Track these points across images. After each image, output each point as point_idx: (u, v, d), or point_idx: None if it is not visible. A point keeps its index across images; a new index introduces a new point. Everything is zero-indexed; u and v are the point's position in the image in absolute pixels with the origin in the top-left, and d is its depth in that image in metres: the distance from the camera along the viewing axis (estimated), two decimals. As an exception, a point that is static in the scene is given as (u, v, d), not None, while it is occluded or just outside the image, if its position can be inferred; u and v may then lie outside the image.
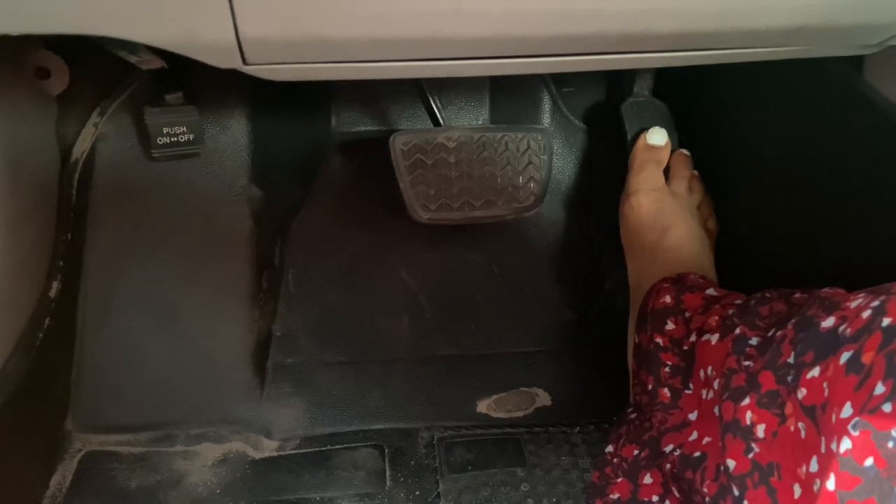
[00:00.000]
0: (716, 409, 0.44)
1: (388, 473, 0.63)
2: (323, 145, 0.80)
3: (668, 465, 0.50)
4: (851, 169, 0.55)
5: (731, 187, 0.70)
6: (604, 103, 0.82)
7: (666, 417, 0.52)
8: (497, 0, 0.38)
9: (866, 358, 0.32)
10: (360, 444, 0.66)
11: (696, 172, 0.71)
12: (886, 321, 0.32)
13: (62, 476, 0.61)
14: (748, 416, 0.40)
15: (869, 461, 0.31)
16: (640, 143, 0.70)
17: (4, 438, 0.55)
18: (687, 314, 0.55)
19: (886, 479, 0.30)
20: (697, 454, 0.47)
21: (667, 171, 0.70)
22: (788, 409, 0.38)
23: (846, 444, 0.31)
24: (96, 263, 0.67)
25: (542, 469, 0.63)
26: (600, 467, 0.59)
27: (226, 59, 0.39)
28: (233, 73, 0.41)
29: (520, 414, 0.69)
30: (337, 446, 0.65)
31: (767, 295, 0.49)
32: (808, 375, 0.36)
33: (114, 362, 0.66)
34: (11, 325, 0.58)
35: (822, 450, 0.33)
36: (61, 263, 0.65)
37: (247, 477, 0.63)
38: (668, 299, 0.57)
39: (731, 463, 0.40)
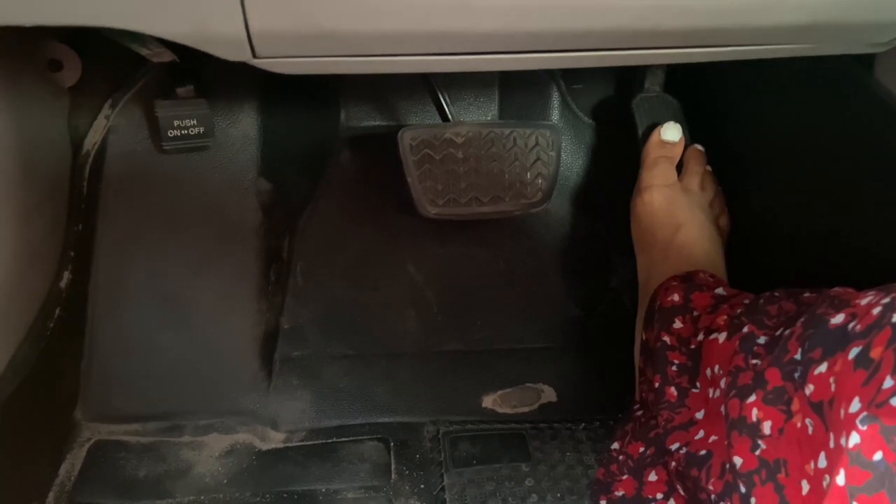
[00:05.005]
0: (722, 408, 0.44)
1: (393, 466, 0.63)
2: (332, 140, 0.80)
3: (674, 463, 0.50)
4: (862, 167, 0.55)
5: (741, 184, 0.70)
6: (613, 100, 0.82)
7: (672, 416, 0.52)
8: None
9: (875, 353, 0.32)
10: (365, 436, 0.66)
11: (709, 168, 0.71)
12: (896, 317, 0.32)
13: (71, 464, 0.62)
14: (754, 412, 0.40)
15: (878, 455, 0.30)
16: (653, 138, 0.69)
17: (15, 427, 0.56)
18: (695, 313, 0.55)
19: None
20: (703, 452, 0.47)
21: (678, 167, 0.70)
22: (795, 405, 0.38)
23: (855, 438, 0.31)
24: (107, 254, 0.67)
25: (546, 465, 0.63)
26: (605, 464, 0.59)
27: (235, 53, 0.39)
28: (243, 67, 0.41)
29: (525, 409, 0.69)
30: (343, 439, 0.66)
31: (776, 294, 0.49)
32: (816, 371, 0.36)
33: (123, 352, 0.67)
34: (23, 315, 0.59)
35: (831, 445, 0.33)
36: (72, 254, 0.65)
37: (253, 468, 0.63)
38: (676, 297, 0.57)
39: (737, 460, 0.40)
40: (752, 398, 0.40)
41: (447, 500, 0.60)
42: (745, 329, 0.46)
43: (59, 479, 0.61)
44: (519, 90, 0.82)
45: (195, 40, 0.38)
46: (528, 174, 0.68)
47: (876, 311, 0.34)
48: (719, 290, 0.56)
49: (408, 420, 0.68)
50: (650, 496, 0.53)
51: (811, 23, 0.43)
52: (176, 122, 0.64)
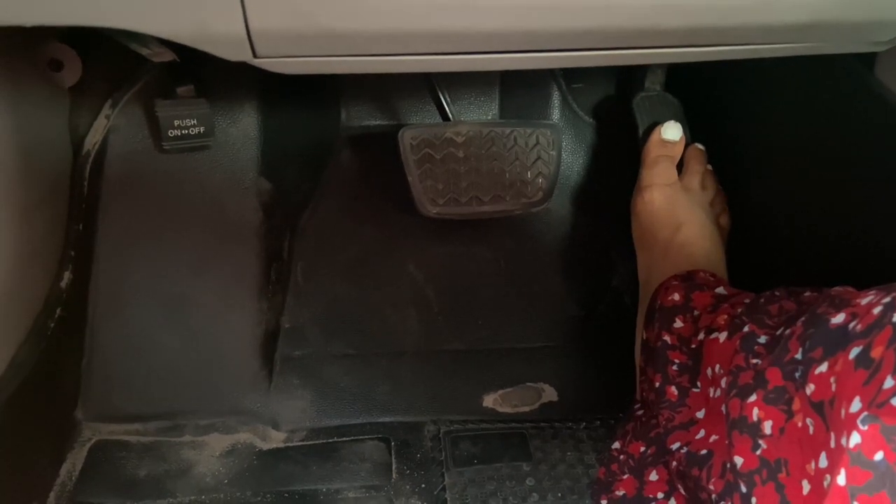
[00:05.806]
0: (723, 407, 0.44)
1: (394, 466, 0.63)
2: (332, 139, 0.80)
3: (675, 463, 0.50)
4: (863, 166, 0.55)
5: (741, 183, 0.70)
6: (613, 99, 0.82)
7: (673, 415, 0.52)
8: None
9: (876, 353, 0.32)
10: (366, 436, 0.66)
11: (709, 167, 0.71)
12: (897, 317, 0.32)
13: (72, 464, 0.62)
14: (755, 412, 0.40)
15: (879, 455, 0.30)
16: (654, 137, 0.69)
17: (16, 426, 0.56)
18: (696, 312, 0.55)
19: None
20: (704, 452, 0.47)
21: (679, 166, 0.70)
22: (796, 405, 0.38)
23: (855, 438, 0.31)
24: (107, 254, 0.67)
25: (547, 464, 0.63)
26: (606, 464, 0.59)
27: (236, 52, 0.39)
28: (243, 67, 0.41)
29: (526, 409, 0.70)
30: (344, 438, 0.66)
31: (777, 293, 0.49)
32: (817, 371, 0.36)
33: (124, 352, 0.67)
34: (24, 314, 0.59)
35: (832, 445, 0.33)
36: (73, 253, 0.65)
37: (254, 468, 0.63)
38: (677, 297, 0.57)
39: (738, 460, 0.40)
40: (753, 398, 0.40)
41: (448, 499, 0.60)
42: (746, 328, 0.46)
43: (59, 478, 0.61)
44: (519, 89, 0.82)
45: (196, 40, 0.38)
46: (529, 173, 0.68)
47: (876, 310, 0.34)
48: (720, 290, 0.56)
49: (409, 419, 0.68)
50: (651, 496, 0.53)
51: (812, 22, 0.43)
52: (176, 122, 0.64)
